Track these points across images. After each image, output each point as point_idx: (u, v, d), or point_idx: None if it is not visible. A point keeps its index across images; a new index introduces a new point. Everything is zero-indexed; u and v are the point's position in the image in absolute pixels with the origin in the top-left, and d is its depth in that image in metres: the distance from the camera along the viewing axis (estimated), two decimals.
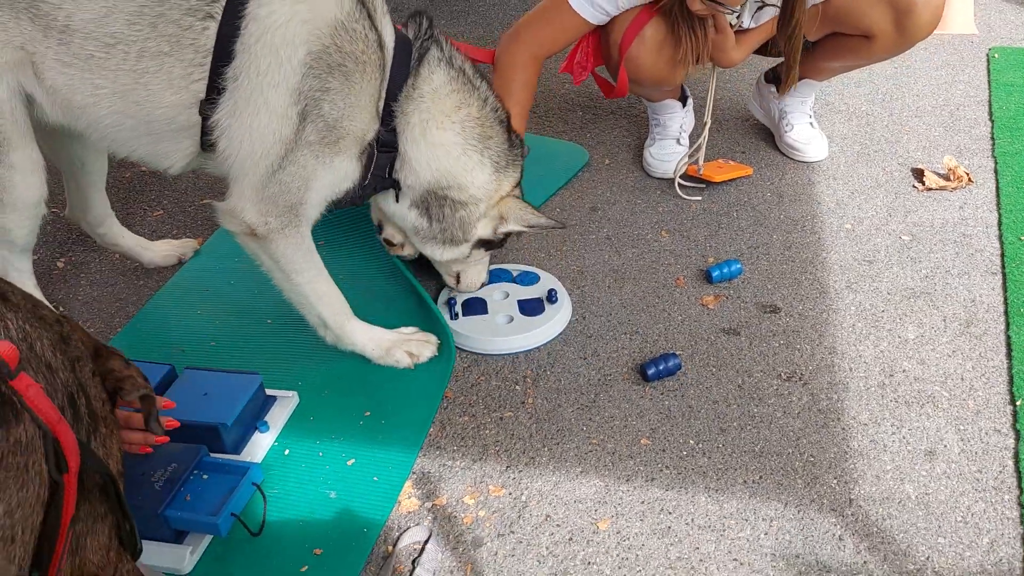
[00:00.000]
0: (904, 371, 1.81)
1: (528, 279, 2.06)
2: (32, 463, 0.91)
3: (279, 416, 1.71)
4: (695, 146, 2.39)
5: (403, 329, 1.89)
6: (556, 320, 1.95)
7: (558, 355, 1.89)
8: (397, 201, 1.81)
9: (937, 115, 2.77)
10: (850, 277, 2.08)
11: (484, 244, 1.91)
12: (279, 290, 1.77)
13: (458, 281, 1.99)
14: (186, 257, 2.19)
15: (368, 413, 1.75)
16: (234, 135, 1.55)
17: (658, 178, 2.51)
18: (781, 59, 2.46)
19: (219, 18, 1.48)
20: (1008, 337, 1.87)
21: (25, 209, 1.67)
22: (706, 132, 2.37)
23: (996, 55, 3.11)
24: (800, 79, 2.46)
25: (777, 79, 2.56)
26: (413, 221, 1.84)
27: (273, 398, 1.73)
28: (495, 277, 2.07)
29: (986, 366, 1.80)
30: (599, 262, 2.18)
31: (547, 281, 2.06)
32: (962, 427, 1.67)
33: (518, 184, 1.90)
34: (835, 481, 1.57)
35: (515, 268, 2.11)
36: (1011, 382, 1.76)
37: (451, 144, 1.74)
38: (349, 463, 1.65)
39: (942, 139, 2.64)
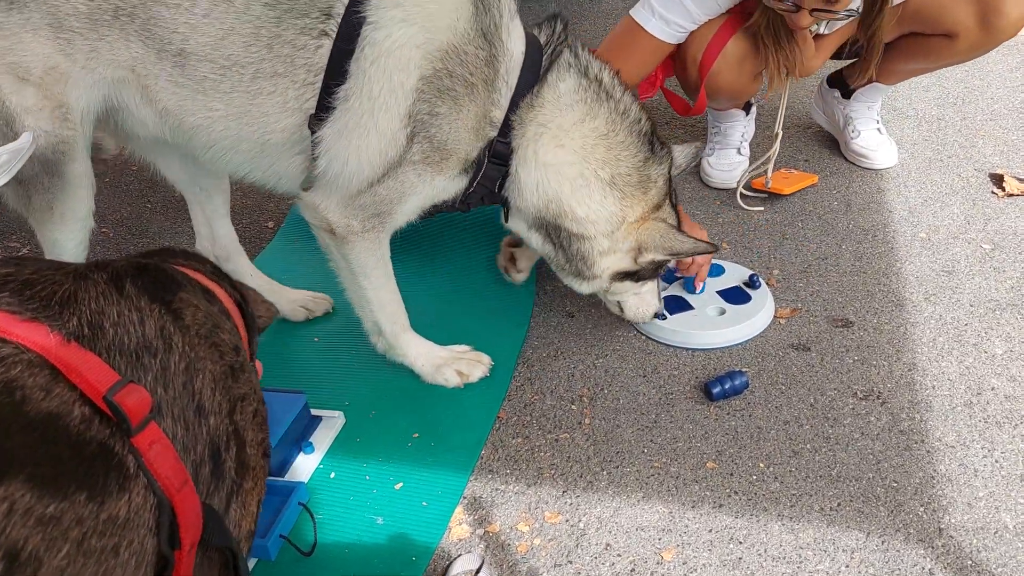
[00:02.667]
0: (993, 388, 1.67)
1: (713, 271, 1.98)
2: (128, 543, 0.79)
3: (324, 437, 1.65)
4: (764, 158, 2.29)
5: (455, 347, 1.81)
6: (768, 305, 1.90)
7: (616, 372, 1.79)
8: (507, 220, 1.71)
9: (1014, 118, 2.62)
10: (928, 288, 1.95)
11: (631, 276, 1.72)
12: (342, 287, 1.71)
13: (622, 311, 1.83)
14: (316, 314, 2.02)
15: (417, 435, 1.68)
16: (339, 154, 1.50)
17: (717, 188, 2.41)
18: (847, 62, 2.35)
19: (334, 35, 1.43)
20: None
21: (75, 221, 1.64)
22: (777, 144, 2.26)
23: None
24: (868, 82, 2.34)
25: (841, 83, 2.45)
26: (538, 245, 1.72)
27: (318, 418, 1.67)
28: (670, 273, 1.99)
29: None
30: None
31: (733, 270, 1.99)
32: None
33: (662, 203, 1.69)
34: (922, 509, 1.44)
35: None
36: None
37: (565, 164, 1.59)
38: (397, 487, 1.57)
39: (1021, 143, 2.48)
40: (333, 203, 1.56)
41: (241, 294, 1.17)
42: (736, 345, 1.83)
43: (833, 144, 2.54)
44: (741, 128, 2.44)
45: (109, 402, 0.79)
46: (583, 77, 1.58)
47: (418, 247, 2.11)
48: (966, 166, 2.40)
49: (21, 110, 1.49)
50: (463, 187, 1.59)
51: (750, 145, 2.47)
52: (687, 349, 1.83)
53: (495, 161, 1.56)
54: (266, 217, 2.48)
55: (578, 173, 1.59)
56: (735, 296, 1.91)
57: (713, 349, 1.82)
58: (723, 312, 1.87)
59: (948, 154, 2.47)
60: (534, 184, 1.60)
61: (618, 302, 1.80)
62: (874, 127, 2.44)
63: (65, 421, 0.76)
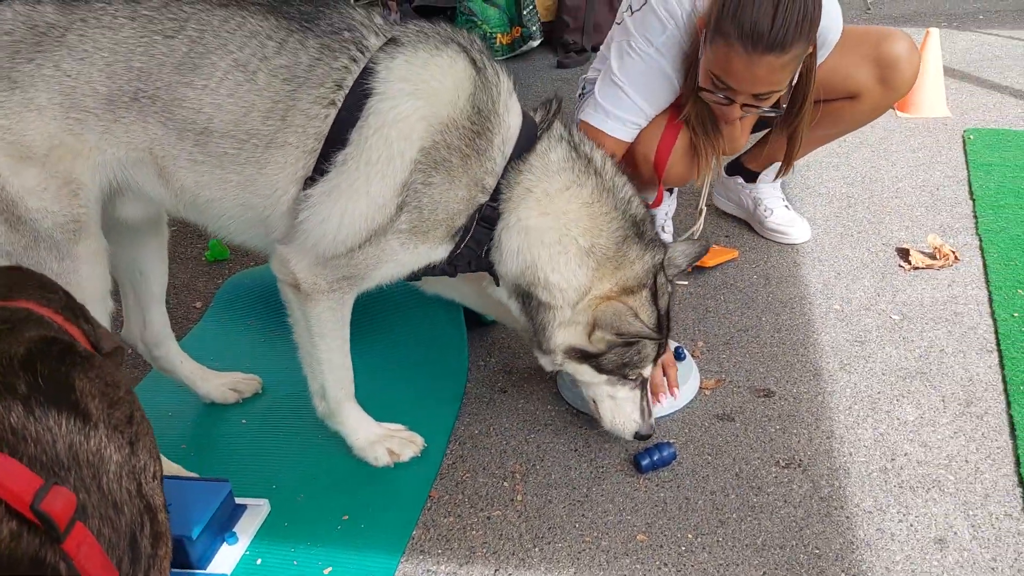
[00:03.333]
0: (906, 454, 1.74)
1: None
2: None
3: (249, 526, 1.62)
4: (688, 233, 2.37)
5: (390, 425, 1.81)
6: (693, 376, 1.95)
7: (548, 447, 1.81)
8: (497, 285, 1.71)
9: (918, 195, 2.78)
10: (843, 358, 2.04)
11: (589, 359, 1.67)
12: (296, 344, 1.70)
13: (600, 416, 1.76)
14: (245, 395, 1.99)
15: (347, 517, 1.66)
16: (323, 213, 1.51)
17: None
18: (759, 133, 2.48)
19: (340, 104, 1.48)
20: (1010, 416, 1.81)
21: (91, 304, 1.43)
22: (702, 219, 2.35)
23: (971, 136, 3.16)
24: (772, 162, 2.48)
25: (740, 170, 2.59)
26: (516, 314, 1.72)
27: (243, 507, 1.64)
28: None
29: (990, 447, 1.74)
30: None
31: None
32: (971, 512, 1.59)
33: (636, 289, 1.64)
34: (843, 574, 1.48)
35: None
36: (1017, 463, 1.69)
37: (546, 230, 1.59)
38: (326, 572, 1.54)
39: (924, 218, 2.64)
40: (305, 261, 1.57)
41: (94, 330, 1.15)
42: (664, 417, 1.87)
43: (748, 223, 2.66)
44: (665, 207, 2.54)
45: (36, 511, 0.77)
46: (573, 150, 1.63)
47: (352, 321, 2.12)
48: (875, 241, 2.54)
49: (24, 192, 1.45)
50: (445, 255, 1.61)
51: (673, 221, 2.57)
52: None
53: (483, 225, 1.58)
54: (194, 297, 2.46)
55: (557, 239, 1.60)
56: None
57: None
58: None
59: (858, 229, 2.61)
60: (515, 249, 1.61)
61: (594, 400, 1.75)
62: (782, 204, 2.57)
63: None
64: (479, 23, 4.33)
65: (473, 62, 1.53)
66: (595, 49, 4.57)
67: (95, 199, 1.52)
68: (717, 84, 1.91)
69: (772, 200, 2.57)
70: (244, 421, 1.90)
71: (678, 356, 1.96)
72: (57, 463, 0.87)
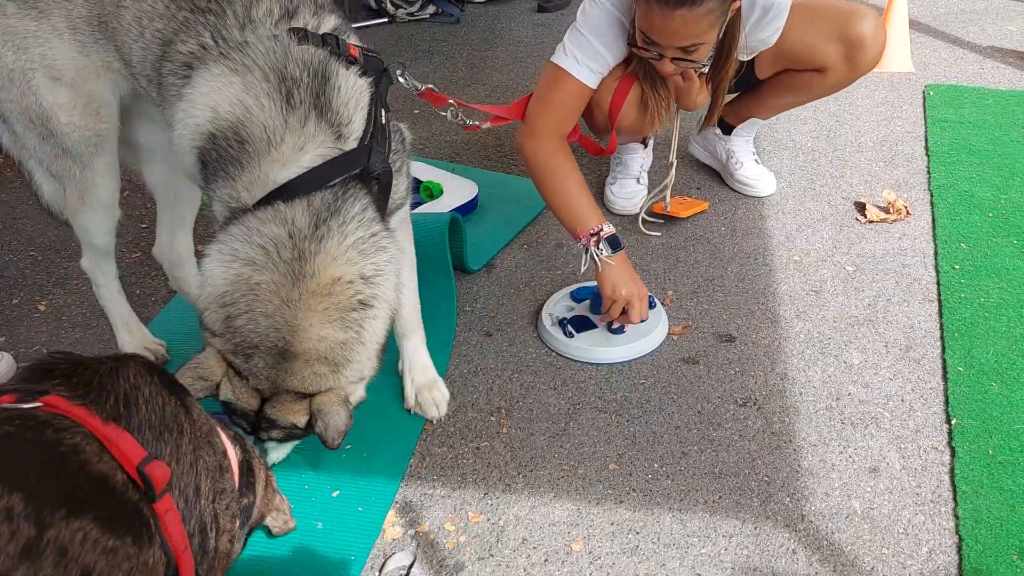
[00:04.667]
0: (850, 394, 1.95)
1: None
2: None
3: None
4: (661, 186, 2.53)
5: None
6: (663, 323, 2.14)
7: (529, 386, 2.00)
8: None
9: (877, 150, 2.96)
10: (799, 307, 2.23)
11: None
12: None
13: None
14: None
15: (349, 447, 1.84)
16: None
17: (619, 215, 2.65)
18: (733, 95, 2.62)
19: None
20: (944, 361, 2.02)
21: (104, 210, 1.80)
22: (672, 172, 2.50)
23: (931, 92, 3.32)
24: (747, 118, 2.63)
25: (719, 121, 2.73)
26: None
27: None
28: (583, 293, 2.23)
29: (924, 388, 1.96)
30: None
31: None
32: (903, 446, 1.81)
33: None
34: (788, 499, 1.70)
35: (593, 284, 2.21)
36: (947, 403, 1.91)
37: None
38: (334, 494, 1.74)
39: (882, 173, 2.82)
40: None
41: (245, 452, 1.33)
42: (636, 359, 2.06)
43: (719, 175, 2.82)
44: (640, 160, 2.69)
45: (141, 472, 0.95)
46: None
47: None
48: (835, 195, 2.72)
49: (57, 108, 1.64)
50: None
51: (648, 175, 2.72)
52: (592, 364, 2.06)
53: None
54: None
55: None
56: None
57: (614, 363, 2.05)
58: (622, 329, 2.10)
59: (820, 183, 2.79)
60: None
61: None
62: (752, 158, 2.73)
63: (112, 482, 0.93)
64: None
65: None
66: None
67: (115, 117, 1.69)
68: (645, 40, 2.02)
69: (743, 154, 2.73)
70: None
71: (650, 304, 2.15)
72: (166, 425, 1.04)
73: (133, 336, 2.07)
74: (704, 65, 2.14)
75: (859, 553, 1.59)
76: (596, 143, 2.53)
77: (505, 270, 2.42)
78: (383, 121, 1.47)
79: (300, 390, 1.41)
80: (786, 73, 2.40)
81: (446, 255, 2.23)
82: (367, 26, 4.32)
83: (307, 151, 1.38)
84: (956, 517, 1.65)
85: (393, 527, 1.67)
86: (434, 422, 1.90)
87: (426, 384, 1.91)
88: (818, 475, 1.75)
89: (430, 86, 2.18)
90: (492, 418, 1.92)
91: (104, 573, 0.85)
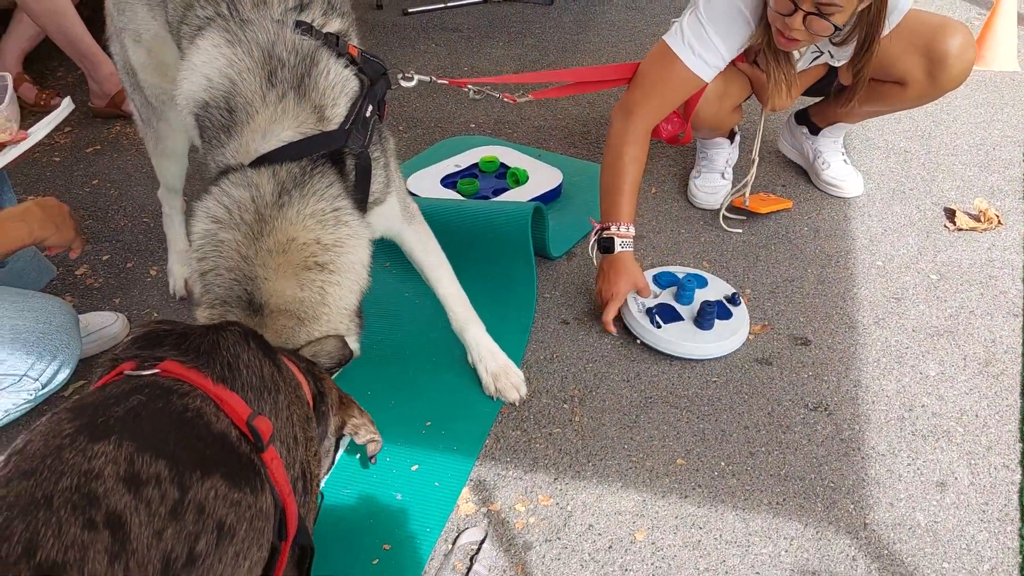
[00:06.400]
0: (923, 406, 1.96)
1: (698, 282, 2.25)
2: (266, 529, 1.06)
3: None
4: (744, 182, 2.55)
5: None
6: (745, 322, 2.16)
7: (603, 376, 2.07)
8: None
9: (973, 155, 2.89)
10: (878, 313, 2.23)
11: None
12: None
13: None
14: None
15: (429, 423, 1.95)
16: None
17: (702, 209, 2.68)
18: (816, 99, 2.60)
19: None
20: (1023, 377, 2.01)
21: (173, 156, 2.15)
22: (754, 169, 2.52)
23: None
24: (834, 121, 2.61)
25: (807, 121, 2.71)
26: None
27: None
28: (667, 279, 2.27)
29: (1000, 404, 1.95)
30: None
31: (715, 283, 2.27)
32: (973, 461, 1.82)
33: None
34: (852, 506, 1.73)
35: (679, 271, 2.30)
36: (1022, 420, 1.90)
37: None
38: (413, 468, 1.85)
39: (976, 179, 2.76)
40: None
41: (316, 377, 1.42)
42: (714, 358, 2.10)
43: (806, 173, 2.81)
44: (725, 154, 2.70)
45: (250, 426, 1.06)
46: None
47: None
48: (925, 199, 2.68)
49: (138, 66, 1.89)
50: None
51: (733, 170, 2.73)
52: (672, 356, 2.10)
53: None
54: None
55: None
56: (719, 310, 2.16)
57: (693, 359, 2.10)
58: (710, 324, 2.12)
59: (910, 187, 2.75)
60: None
61: None
62: (841, 159, 2.71)
63: (229, 438, 1.03)
64: None
65: None
66: None
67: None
68: None
69: (831, 154, 2.71)
70: None
71: (734, 302, 2.18)
72: (265, 386, 1.15)
73: (182, 267, 2.33)
74: (837, 32, 2.00)
75: (919, 565, 1.62)
76: (672, 132, 2.55)
77: (586, 258, 2.48)
78: (367, 114, 1.55)
79: (278, 346, 1.47)
80: (870, 82, 2.37)
81: (528, 242, 2.30)
82: (462, 5, 4.39)
83: (287, 127, 1.47)
84: (1021, 537, 1.65)
85: (467, 503, 1.77)
86: (516, 404, 1.99)
87: (500, 369, 2.00)
88: (884, 485, 1.77)
89: (435, 78, 2.20)
90: (565, 406, 2.00)
91: (233, 524, 0.96)
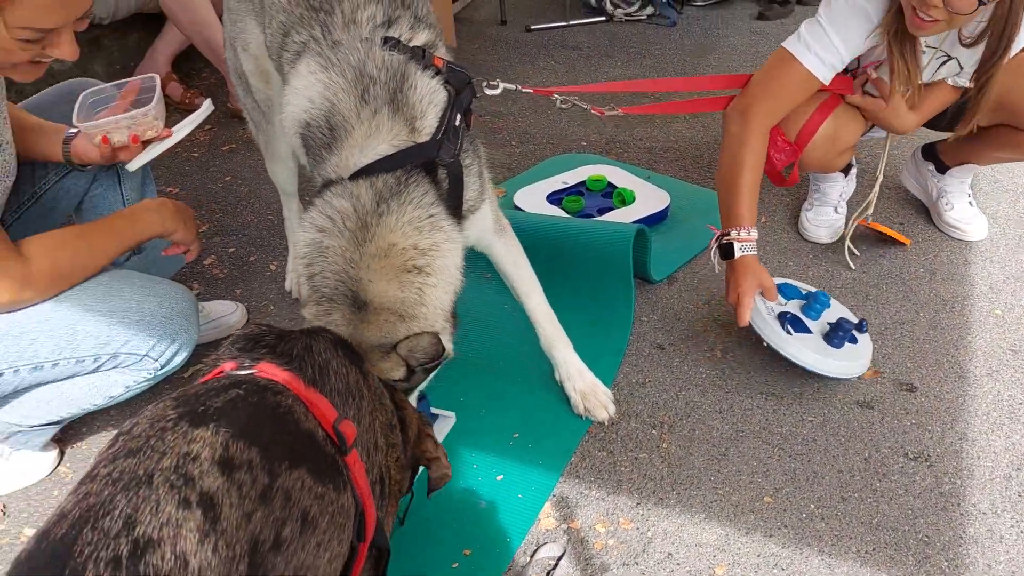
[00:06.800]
0: None
1: (823, 300, 2.15)
2: (347, 526, 1.12)
3: (439, 432, 1.98)
4: (866, 202, 2.47)
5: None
6: (867, 354, 2.08)
7: (695, 405, 2.06)
8: None
9: None
10: (992, 364, 2.13)
11: None
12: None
13: None
14: None
15: (517, 435, 1.99)
16: None
17: (812, 242, 2.62)
18: (946, 135, 2.50)
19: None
20: None
21: (281, 160, 2.26)
22: (877, 187, 2.43)
23: None
24: (963, 162, 2.50)
25: (934, 157, 2.61)
26: None
27: (436, 415, 2.00)
28: (791, 292, 2.19)
29: None
30: None
31: (837, 307, 2.19)
32: None
33: None
34: (946, 564, 1.66)
35: (802, 286, 2.23)
36: None
37: None
38: (499, 478, 1.89)
39: None
40: None
41: (398, 407, 1.47)
42: (823, 375, 2.02)
43: (926, 211, 2.70)
44: (840, 188, 2.63)
45: (336, 430, 1.13)
46: None
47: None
48: None
49: (248, 72, 2.02)
50: None
51: (848, 204, 2.66)
52: (794, 363, 2.02)
53: None
54: None
55: None
56: (845, 333, 2.07)
57: (817, 373, 2.02)
58: (838, 342, 2.05)
59: None
60: None
61: None
62: (966, 200, 2.59)
63: (316, 438, 1.10)
64: None
65: None
66: (800, 1, 4.50)
67: (279, 86, 1.89)
68: None
69: (957, 195, 2.60)
70: None
71: (860, 329, 2.10)
72: (350, 392, 1.22)
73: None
74: (982, 6, 1.85)
75: None
76: (778, 173, 2.45)
77: (686, 284, 2.47)
78: (456, 123, 1.62)
79: (379, 342, 1.55)
80: (1003, 128, 2.27)
81: (628, 264, 2.31)
82: (584, 23, 4.43)
83: (382, 140, 1.56)
84: None
85: (548, 518, 1.79)
86: (605, 424, 2.00)
87: (588, 388, 2.02)
88: (983, 545, 1.69)
89: (520, 87, 2.17)
90: (654, 431, 1.99)
91: (317, 515, 1.02)
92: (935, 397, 2.05)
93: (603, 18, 4.45)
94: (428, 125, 1.59)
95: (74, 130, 1.83)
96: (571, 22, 4.42)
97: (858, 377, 2.08)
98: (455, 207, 1.63)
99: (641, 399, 2.09)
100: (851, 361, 2.04)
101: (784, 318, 2.06)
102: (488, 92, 2.02)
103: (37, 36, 1.46)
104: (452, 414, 2.03)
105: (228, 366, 1.16)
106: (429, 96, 1.60)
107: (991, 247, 2.56)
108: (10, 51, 1.45)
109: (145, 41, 3.74)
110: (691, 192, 2.91)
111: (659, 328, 2.31)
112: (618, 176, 2.88)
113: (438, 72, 1.62)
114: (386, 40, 1.61)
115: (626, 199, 2.77)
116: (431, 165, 1.58)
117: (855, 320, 2.12)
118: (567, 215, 2.70)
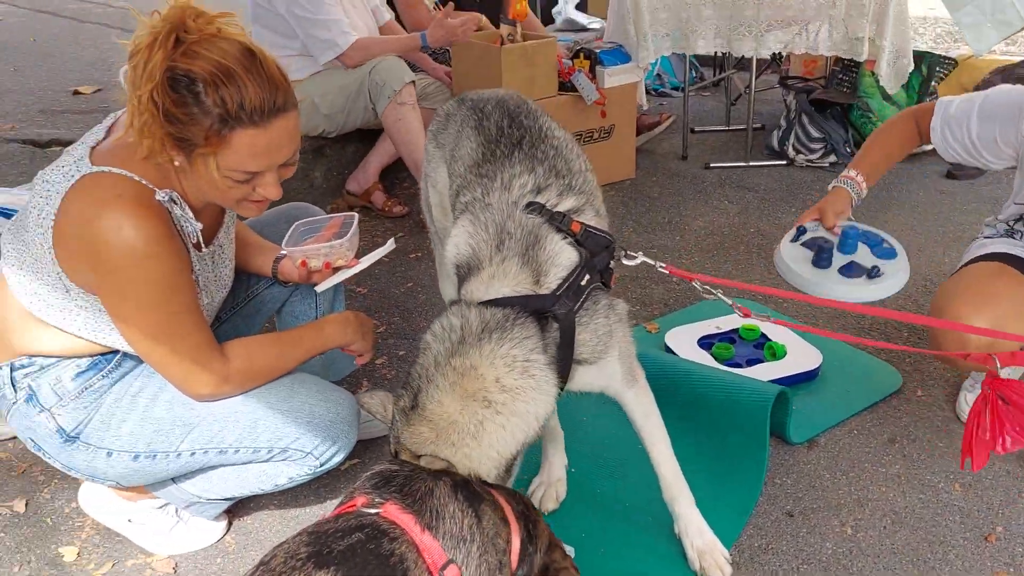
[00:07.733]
0: None
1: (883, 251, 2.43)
2: None
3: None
4: None
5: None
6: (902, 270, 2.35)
7: None
8: None
9: None
10: None
11: None
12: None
13: None
14: None
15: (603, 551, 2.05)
16: None
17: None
18: None
19: None
20: None
21: (449, 279, 2.27)
22: None
23: None
24: None
25: None
26: None
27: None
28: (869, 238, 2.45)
29: None
30: (882, 499, 2.27)
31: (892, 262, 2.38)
32: None
33: None
34: None
35: (864, 228, 2.50)
36: None
37: None
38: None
39: None
40: None
41: (529, 521, 1.61)
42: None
43: None
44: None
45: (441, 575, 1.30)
46: None
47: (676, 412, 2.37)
48: None
49: (432, 204, 2.29)
50: None
51: None
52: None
53: None
54: None
55: None
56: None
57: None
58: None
59: None
60: None
61: None
62: None
63: None
64: (875, 120, 4.37)
65: None
66: None
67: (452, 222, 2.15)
68: None
69: None
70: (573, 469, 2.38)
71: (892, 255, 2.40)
72: (462, 536, 1.39)
73: None
74: None
75: None
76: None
77: (827, 450, 2.46)
78: (582, 283, 1.77)
79: (410, 447, 1.60)
80: None
81: (765, 425, 2.31)
82: (764, 165, 4.53)
83: (506, 284, 1.73)
84: None
85: None
86: None
87: (706, 547, 2.05)
88: None
89: (660, 265, 2.11)
90: None
91: None
92: None
93: (784, 162, 4.53)
94: (552, 281, 1.77)
95: (283, 252, 2.18)
96: (751, 163, 4.54)
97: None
98: (562, 359, 1.75)
99: (761, 565, 2.09)
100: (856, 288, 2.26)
101: (800, 230, 2.43)
102: (625, 262, 2.09)
103: (245, 178, 1.80)
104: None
105: (360, 501, 1.37)
106: (555, 257, 1.80)
107: None
108: (223, 190, 1.81)
109: (360, 152, 4.25)
110: (847, 354, 2.89)
111: (791, 494, 2.31)
112: (772, 328, 2.92)
113: (573, 236, 1.82)
114: (529, 204, 1.84)
115: (777, 353, 2.80)
116: (543, 315, 1.74)
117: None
118: (716, 362, 2.77)
